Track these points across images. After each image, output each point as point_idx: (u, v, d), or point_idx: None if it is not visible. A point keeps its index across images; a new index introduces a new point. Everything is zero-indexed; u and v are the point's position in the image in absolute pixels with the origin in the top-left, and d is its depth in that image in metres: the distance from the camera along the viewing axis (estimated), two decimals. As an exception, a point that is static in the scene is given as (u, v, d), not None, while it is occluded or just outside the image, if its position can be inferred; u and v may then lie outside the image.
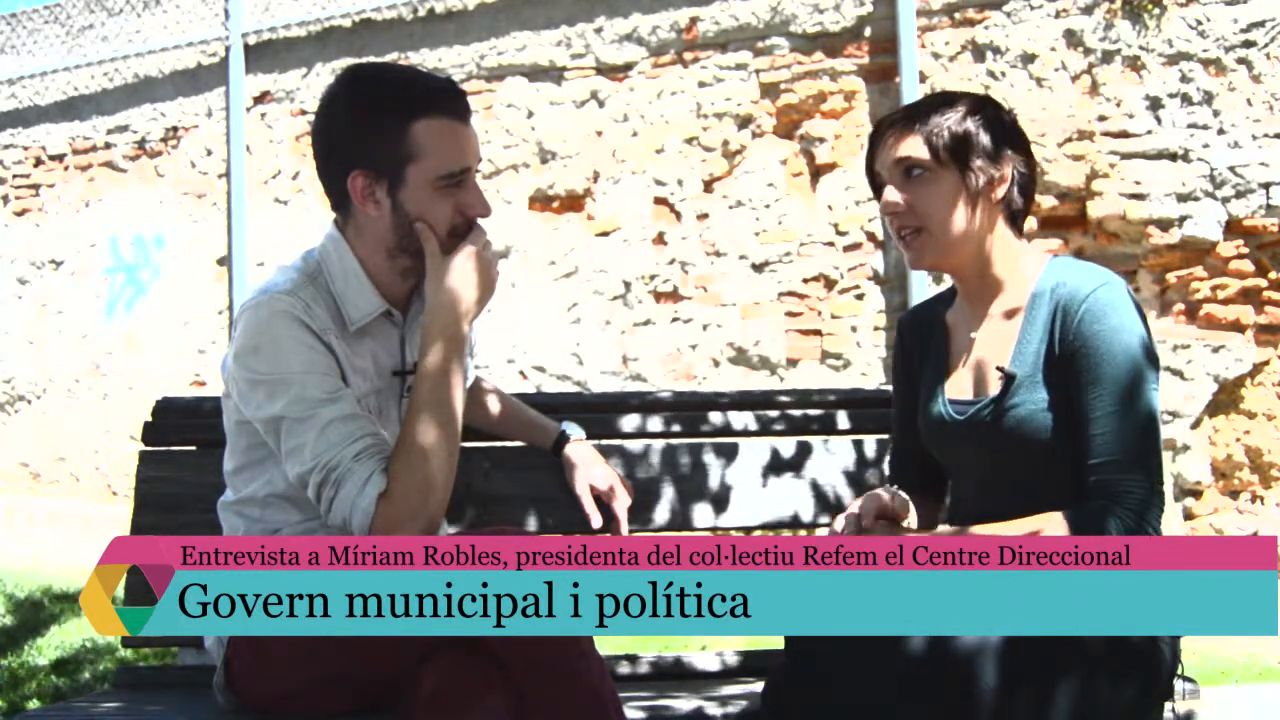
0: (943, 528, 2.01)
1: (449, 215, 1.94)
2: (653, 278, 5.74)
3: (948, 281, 2.07)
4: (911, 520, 1.96)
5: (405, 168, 1.91)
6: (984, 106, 1.97)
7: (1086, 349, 1.83)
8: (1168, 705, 1.88)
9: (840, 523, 1.89)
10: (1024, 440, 1.88)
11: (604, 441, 2.38)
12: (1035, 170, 2.01)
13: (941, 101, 1.97)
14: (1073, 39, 4.92)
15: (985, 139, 1.92)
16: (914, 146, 1.93)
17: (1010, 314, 1.95)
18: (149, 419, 2.37)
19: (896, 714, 1.72)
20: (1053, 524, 1.80)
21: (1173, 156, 4.71)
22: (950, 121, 1.92)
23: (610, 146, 5.87)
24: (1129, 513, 1.79)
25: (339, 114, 1.96)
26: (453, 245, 1.95)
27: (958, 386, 2.00)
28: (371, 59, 5.97)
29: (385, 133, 1.91)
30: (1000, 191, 1.94)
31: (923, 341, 2.10)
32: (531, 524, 2.32)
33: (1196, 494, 4.73)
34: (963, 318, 2.04)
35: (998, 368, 1.92)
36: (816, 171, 5.45)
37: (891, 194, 1.95)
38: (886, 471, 2.34)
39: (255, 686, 1.94)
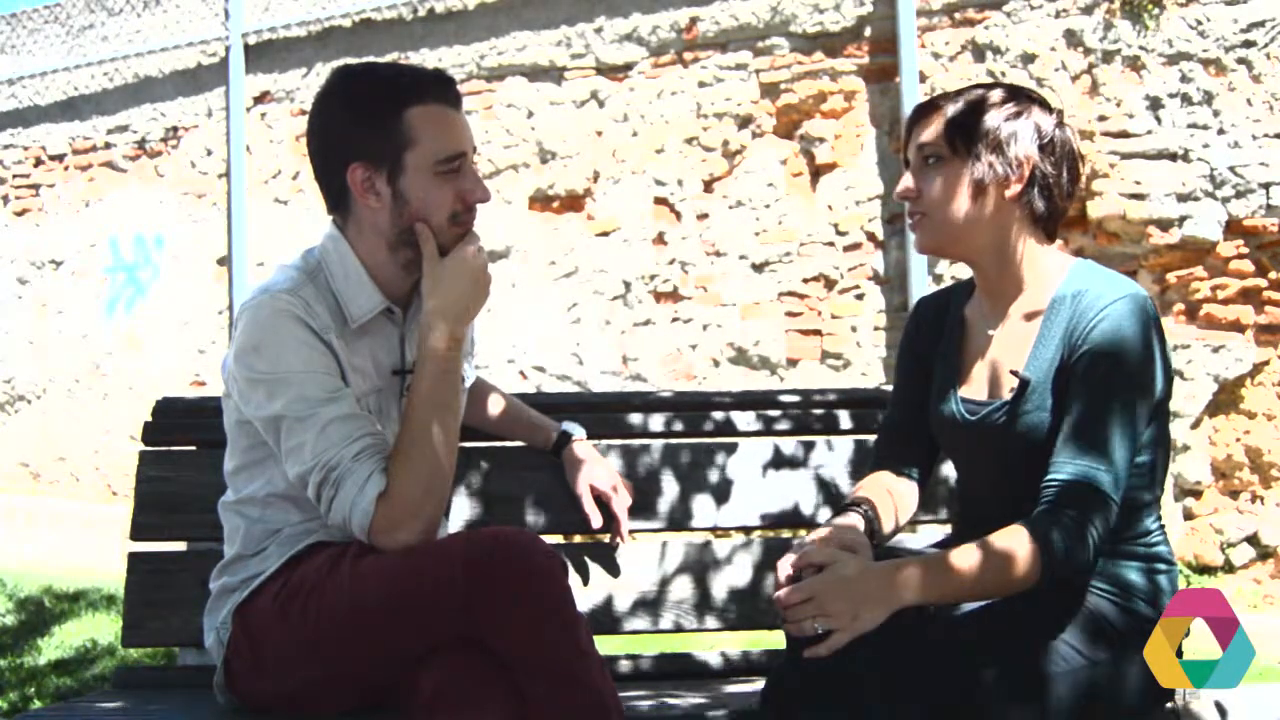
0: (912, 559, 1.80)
1: (449, 202, 1.95)
2: (653, 278, 5.74)
3: (949, 283, 2.05)
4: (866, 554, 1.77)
5: (403, 154, 1.93)
6: (1014, 101, 1.90)
7: (1086, 357, 1.79)
8: (1168, 704, 1.88)
9: (786, 567, 1.74)
10: (1033, 446, 1.84)
11: (605, 441, 2.38)
12: (1074, 177, 1.92)
13: (972, 91, 1.92)
14: (1073, 39, 4.92)
15: (1002, 134, 1.87)
16: (932, 134, 1.91)
17: (1030, 317, 1.90)
18: (149, 419, 2.37)
19: (896, 714, 1.72)
20: (1019, 540, 1.72)
21: (1173, 156, 4.71)
22: (968, 111, 1.88)
23: (610, 146, 5.87)
24: (1070, 520, 1.72)
25: (333, 110, 1.98)
26: (454, 233, 1.96)
27: (972, 386, 1.97)
28: (371, 59, 5.97)
29: (380, 122, 1.92)
30: (1014, 189, 1.88)
31: (938, 330, 2.07)
32: (531, 524, 2.32)
33: (1196, 494, 4.73)
34: (980, 314, 2.00)
35: (1012, 371, 1.88)
36: (816, 171, 5.45)
37: (904, 180, 1.94)
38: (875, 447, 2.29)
39: (255, 686, 1.94)
